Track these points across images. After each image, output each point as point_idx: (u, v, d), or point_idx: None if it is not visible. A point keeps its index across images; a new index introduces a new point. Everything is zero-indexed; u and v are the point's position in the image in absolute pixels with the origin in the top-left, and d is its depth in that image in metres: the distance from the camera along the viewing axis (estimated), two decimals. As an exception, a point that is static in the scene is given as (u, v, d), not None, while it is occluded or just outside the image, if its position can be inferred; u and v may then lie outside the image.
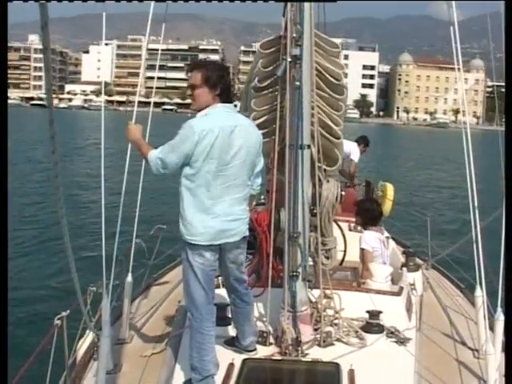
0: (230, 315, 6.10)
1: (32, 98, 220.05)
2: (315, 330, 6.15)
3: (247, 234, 5.59)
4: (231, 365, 5.56)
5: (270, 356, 5.81)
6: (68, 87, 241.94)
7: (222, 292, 6.08)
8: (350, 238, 8.15)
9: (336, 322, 6.31)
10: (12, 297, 11.87)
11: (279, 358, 5.79)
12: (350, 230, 9.46)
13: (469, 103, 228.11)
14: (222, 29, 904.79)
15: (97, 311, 6.25)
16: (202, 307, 5.31)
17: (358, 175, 13.86)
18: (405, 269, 8.06)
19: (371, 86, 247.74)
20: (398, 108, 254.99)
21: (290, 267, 6.06)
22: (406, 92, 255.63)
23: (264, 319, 6.32)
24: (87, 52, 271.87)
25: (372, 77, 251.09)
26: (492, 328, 6.09)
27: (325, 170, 6.41)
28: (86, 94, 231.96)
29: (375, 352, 5.94)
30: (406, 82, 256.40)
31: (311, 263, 6.44)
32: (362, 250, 7.99)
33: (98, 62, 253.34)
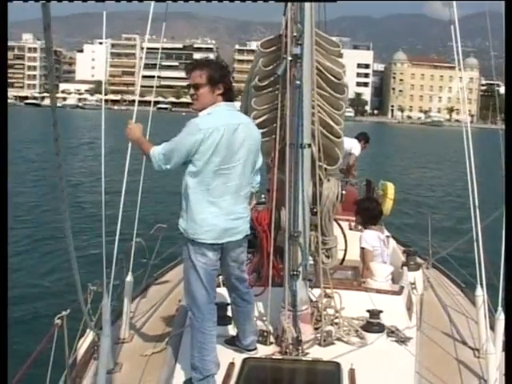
0: (230, 314, 6.10)
1: (26, 97, 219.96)
2: (316, 329, 6.15)
3: (249, 232, 5.60)
4: (232, 364, 5.55)
5: (270, 355, 5.80)
6: (62, 86, 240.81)
7: (222, 291, 6.07)
8: (351, 237, 8.15)
9: (336, 321, 6.31)
10: (12, 296, 11.89)
11: (280, 357, 5.78)
12: (351, 229, 9.45)
13: (463, 101, 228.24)
14: (216, 27, 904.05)
15: (97, 310, 6.24)
16: (204, 307, 5.30)
17: (357, 175, 13.91)
18: (405, 268, 8.07)
19: (366, 84, 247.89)
20: (392, 106, 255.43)
21: (291, 266, 6.05)
22: (400, 90, 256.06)
23: (264, 318, 6.32)
24: (81, 51, 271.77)
25: (366, 75, 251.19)
26: (493, 327, 6.09)
27: (325, 169, 6.40)
28: (81, 93, 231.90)
29: (376, 351, 5.94)
30: (401, 80, 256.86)
31: (312, 262, 6.43)
32: (363, 249, 7.97)
33: (92, 61, 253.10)
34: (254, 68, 6.47)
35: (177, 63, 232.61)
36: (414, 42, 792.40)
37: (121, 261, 6.60)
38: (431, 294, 8.37)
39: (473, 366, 6.10)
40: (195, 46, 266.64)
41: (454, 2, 6.63)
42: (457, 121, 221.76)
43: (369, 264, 7.76)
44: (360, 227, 8.84)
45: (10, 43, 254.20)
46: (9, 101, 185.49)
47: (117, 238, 5.90)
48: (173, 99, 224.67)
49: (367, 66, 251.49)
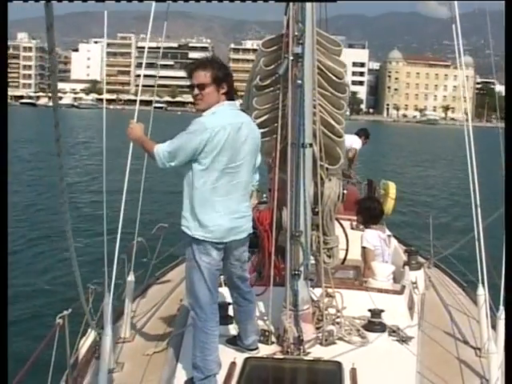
0: (231, 314, 6.10)
1: (21, 97, 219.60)
2: (317, 328, 6.14)
3: (252, 231, 5.60)
4: (233, 363, 5.54)
5: (271, 355, 5.79)
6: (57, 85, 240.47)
7: (223, 290, 6.07)
8: (352, 236, 8.16)
9: (338, 320, 6.30)
10: (13, 296, 11.90)
11: (281, 356, 5.77)
12: (352, 228, 9.43)
13: (458, 100, 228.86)
14: (212, 26, 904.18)
15: (98, 310, 6.23)
16: (207, 307, 5.28)
17: (356, 172, 13.93)
18: (407, 267, 8.08)
19: (361, 83, 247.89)
20: (387, 105, 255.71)
21: (292, 266, 6.04)
22: (395, 89, 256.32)
23: (266, 318, 6.31)
24: (76, 50, 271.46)
25: (362, 74, 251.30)
26: (494, 326, 6.09)
27: (327, 168, 6.42)
28: (76, 93, 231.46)
29: (377, 350, 5.94)
30: (396, 79, 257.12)
31: (313, 262, 6.43)
32: (364, 248, 7.99)
33: (88, 61, 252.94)
34: (256, 67, 6.48)
35: (172, 62, 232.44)
36: (409, 41, 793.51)
37: (122, 260, 6.59)
38: (433, 293, 8.36)
39: (474, 365, 6.09)
40: (190, 45, 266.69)
41: (456, 2, 6.60)
42: (452, 119, 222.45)
43: (370, 263, 7.77)
44: (361, 227, 8.85)
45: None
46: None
47: (118, 237, 5.88)
48: (168, 98, 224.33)
49: (362, 65, 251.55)
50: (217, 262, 5.31)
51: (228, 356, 5.63)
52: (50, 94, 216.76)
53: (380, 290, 6.89)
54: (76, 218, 22.26)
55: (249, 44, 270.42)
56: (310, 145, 6.04)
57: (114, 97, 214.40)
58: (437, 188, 39.19)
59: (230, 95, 5.44)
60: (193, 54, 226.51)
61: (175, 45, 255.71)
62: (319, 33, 6.24)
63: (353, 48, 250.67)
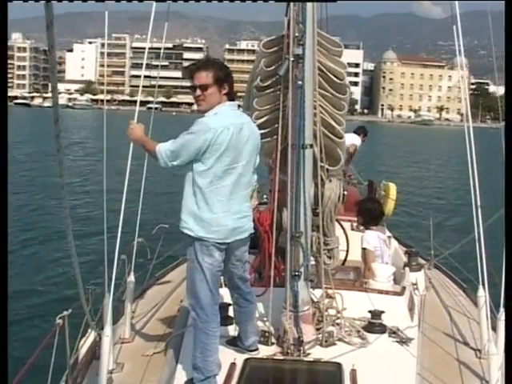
0: (232, 315, 6.09)
1: (16, 97, 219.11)
2: (317, 329, 6.14)
3: (253, 230, 5.60)
4: (233, 364, 5.54)
5: (271, 356, 5.79)
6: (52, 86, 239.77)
7: (223, 291, 6.06)
8: (353, 237, 8.17)
9: (338, 321, 6.30)
10: (13, 296, 11.88)
11: (281, 357, 5.77)
12: (353, 229, 9.41)
13: (453, 100, 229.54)
14: (206, 27, 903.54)
15: (98, 310, 6.23)
16: (208, 308, 5.28)
17: (357, 176, 13.95)
18: (407, 268, 8.09)
19: (356, 83, 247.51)
20: (382, 105, 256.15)
21: (292, 267, 6.04)
22: (390, 89, 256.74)
23: (266, 319, 6.30)
24: (71, 50, 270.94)
25: (356, 74, 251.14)
26: (494, 328, 6.09)
27: (327, 169, 6.42)
28: (71, 93, 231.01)
29: (377, 352, 5.94)
30: (391, 79, 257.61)
31: (313, 263, 6.44)
32: (364, 249, 7.99)
33: (82, 61, 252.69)
34: (256, 68, 6.48)
35: (167, 63, 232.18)
36: (403, 41, 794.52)
37: (122, 261, 6.59)
38: (433, 294, 8.36)
39: (474, 366, 6.09)
40: (185, 45, 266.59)
41: (456, 2, 6.61)
42: (446, 119, 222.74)
43: (370, 264, 7.77)
44: (362, 228, 8.84)
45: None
46: None
47: (118, 237, 5.88)
48: (163, 99, 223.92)
49: (357, 66, 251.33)
50: (219, 263, 5.31)
51: (228, 357, 5.62)
52: (44, 95, 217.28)
53: (380, 291, 6.89)
54: (72, 218, 22.21)
55: (243, 44, 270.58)
56: (311, 146, 6.04)
57: (108, 97, 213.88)
58: (431, 188, 39.22)
59: (231, 96, 5.44)
60: (187, 55, 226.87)
61: (170, 45, 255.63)
62: (320, 34, 6.23)
63: (347, 48, 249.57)
